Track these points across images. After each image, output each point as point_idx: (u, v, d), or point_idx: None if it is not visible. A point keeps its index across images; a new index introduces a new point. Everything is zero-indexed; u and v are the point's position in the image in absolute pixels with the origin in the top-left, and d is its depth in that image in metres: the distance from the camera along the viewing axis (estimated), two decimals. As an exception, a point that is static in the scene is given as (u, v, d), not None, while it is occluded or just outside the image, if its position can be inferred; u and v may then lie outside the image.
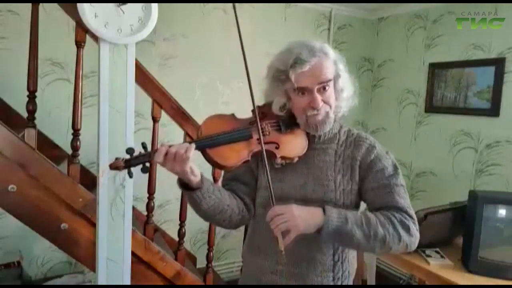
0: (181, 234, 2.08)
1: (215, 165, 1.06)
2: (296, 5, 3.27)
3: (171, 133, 2.49)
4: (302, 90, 1.06)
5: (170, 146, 0.97)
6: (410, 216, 1.06)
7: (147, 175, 1.95)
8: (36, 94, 1.69)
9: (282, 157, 1.09)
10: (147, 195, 1.99)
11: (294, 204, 1.01)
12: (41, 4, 1.73)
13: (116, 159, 0.99)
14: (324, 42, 1.11)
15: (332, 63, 1.08)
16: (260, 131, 1.04)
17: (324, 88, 1.07)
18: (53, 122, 2.42)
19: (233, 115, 1.15)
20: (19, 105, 2.06)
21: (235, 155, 1.05)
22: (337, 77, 1.09)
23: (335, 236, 1.01)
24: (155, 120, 1.96)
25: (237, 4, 1.07)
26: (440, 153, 3.09)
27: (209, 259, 2.22)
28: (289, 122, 1.13)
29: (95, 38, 1.62)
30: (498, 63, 2.69)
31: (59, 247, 1.79)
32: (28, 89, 1.66)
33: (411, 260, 1.87)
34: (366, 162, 1.11)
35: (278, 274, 1.12)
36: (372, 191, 1.09)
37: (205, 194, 1.03)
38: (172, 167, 0.97)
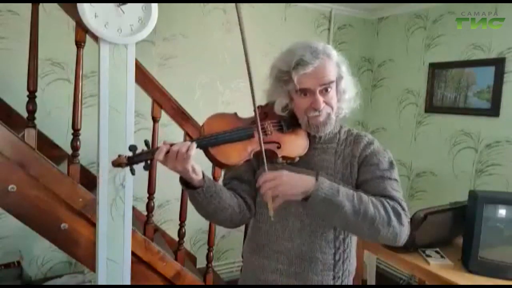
0: (181, 234, 2.08)
1: (217, 163, 1.06)
2: (296, 5, 3.27)
3: (171, 133, 2.48)
4: (304, 92, 1.07)
5: (171, 145, 0.97)
6: (403, 208, 1.05)
7: (147, 175, 1.97)
8: (36, 94, 1.69)
9: (284, 157, 1.09)
10: (147, 195, 1.99)
11: (286, 171, 1.01)
12: (41, 4, 1.73)
13: (119, 156, 0.99)
14: (327, 44, 1.11)
15: (335, 65, 1.09)
16: (260, 130, 1.04)
17: (326, 90, 1.07)
18: (53, 122, 2.42)
19: (235, 114, 1.15)
20: (19, 105, 2.06)
21: (237, 154, 1.06)
22: (339, 79, 1.10)
23: (323, 206, 0.99)
24: (155, 120, 1.96)
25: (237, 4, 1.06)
26: (440, 153, 3.09)
27: (209, 259, 2.22)
28: (291, 122, 1.14)
29: (95, 38, 1.62)
30: (498, 63, 2.69)
31: (59, 247, 1.79)
32: (28, 89, 1.66)
33: (411, 260, 1.87)
34: (363, 156, 1.12)
35: (278, 273, 1.12)
36: (366, 183, 1.09)
37: (206, 193, 1.03)
38: (173, 166, 0.97)
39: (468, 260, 1.77)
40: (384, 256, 2.10)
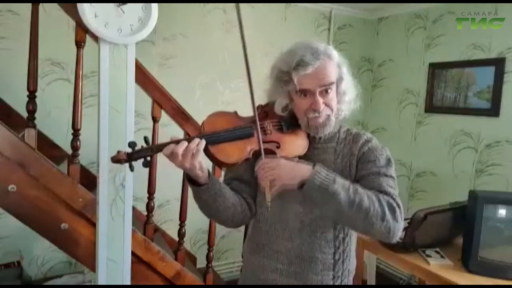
0: (181, 234, 2.08)
1: (216, 162, 1.06)
2: (296, 5, 3.27)
3: (171, 133, 2.44)
4: (304, 92, 1.07)
5: (179, 141, 0.97)
6: (397, 204, 1.04)
7: (147, 175, 1.97)
8: (36, 94, 1.69)
9: (283, 157, 1.09)
10: (147, 195, 1.99)
11: (284, 160, 1.02)
12: (41, 4, 1.73)
13: (118, 152, 0.98)
14: (328, 45, 1.11)
15: (336, 66, 1.08)
16: (259, 129, 1.04)
17: (326, 91, 1.07)
18: (53, 122, 2.42)
19: (235, 112, 1.15)
20: (19, 105, 2.06)
21: (236, 152, 1.06)
22: (340, 80, 1.10)
23: (319, 193, 0.99)
24: (155, 120, 1.96)
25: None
26: (440, 153, 3.09)
27: (209, 259, 2.22)
28: (291, 122, 1.14)
29: (95, 38, 1.62)
30: (498, 63, 2.69)
31: (59, 247, 1.79)
32: (28, 89, 1.66)
33: (411, 260, 1.87)
34: (360, 153, 1.12)
35: (278, 273, 1.13)
36: (362, 179, 1.09)
37: (211, 190, 1.03)
38: (181, 162, 0.96)
39: (468, 260, 1.77)
40: (384, 256, 2.10)
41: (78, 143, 1.72)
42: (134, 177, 1.74)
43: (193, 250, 3.01)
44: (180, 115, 2.02)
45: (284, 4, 3.22)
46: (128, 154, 0.98)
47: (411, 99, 3.35)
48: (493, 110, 2.72)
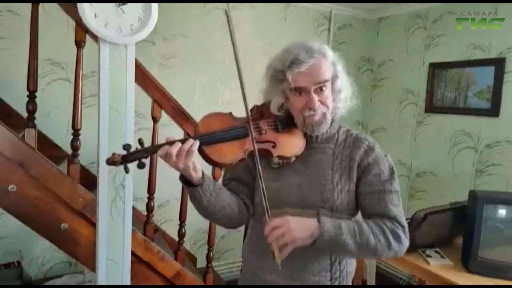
0: (181, 234, 2.08)
1: (211, 162, 1.06)
2: (296, 5, 3.27)
3: (171, 133, 2.44)
4: (299, 90, 1.06)
5: (173, 142, 0.97)
6: (401, 225, 1.08)
7: (147, 175, 1.97)
8: (36, 94, 1.69)
9: (279, 156, 1.09)
10: (147, 195, 1.99)
11: (289, 215, 1.01)
12: (41, 4, 1.73)
13: (113, 154, 0.99)
14: (323, 43, 1.11)
15: (330, 64, 1.08)
16: (252, 129, 1.04)
17: (321, 89, 1.07)
18: (53, 122, 2.42)
19: (230, 113, 1.15)
20: (19, 105, 2.06)
21: (231, 153, 1.06)
22: (335, 78, 1.09)
23: (329, 246, 1.02)
24: (155, 120, 1.96)
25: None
26: (440, 153, 3.09)
27: (209, 259, 2.22)
28: (287, 122, 1.14)
29: (95, 38, 1.62)
30: (498, 63, 2.69)
31: (59, 247, 1.79)
32: (28, 89, 1.66)
33: (411, 260, 1.87)
34: (364, 164, 1.11)
35: (276, 273, 1.12)
36: (366, 196, 1.10)
37: (206, 191, 1.03)
38: (175, 163, 0.97)
39: (468, 260, 1.77)
40: (384, 256, 2.09)
41: (78, 143, 1.72)
42: (134, 177, 1.74)
43: (193, 250, 3.01)
44: (180, 115, 2.02)
45: (284, 4, 3.22)
46: (122, 156, 0.98)
47: (411, 99, 3.35)
48: (493, 110, 2.72)
